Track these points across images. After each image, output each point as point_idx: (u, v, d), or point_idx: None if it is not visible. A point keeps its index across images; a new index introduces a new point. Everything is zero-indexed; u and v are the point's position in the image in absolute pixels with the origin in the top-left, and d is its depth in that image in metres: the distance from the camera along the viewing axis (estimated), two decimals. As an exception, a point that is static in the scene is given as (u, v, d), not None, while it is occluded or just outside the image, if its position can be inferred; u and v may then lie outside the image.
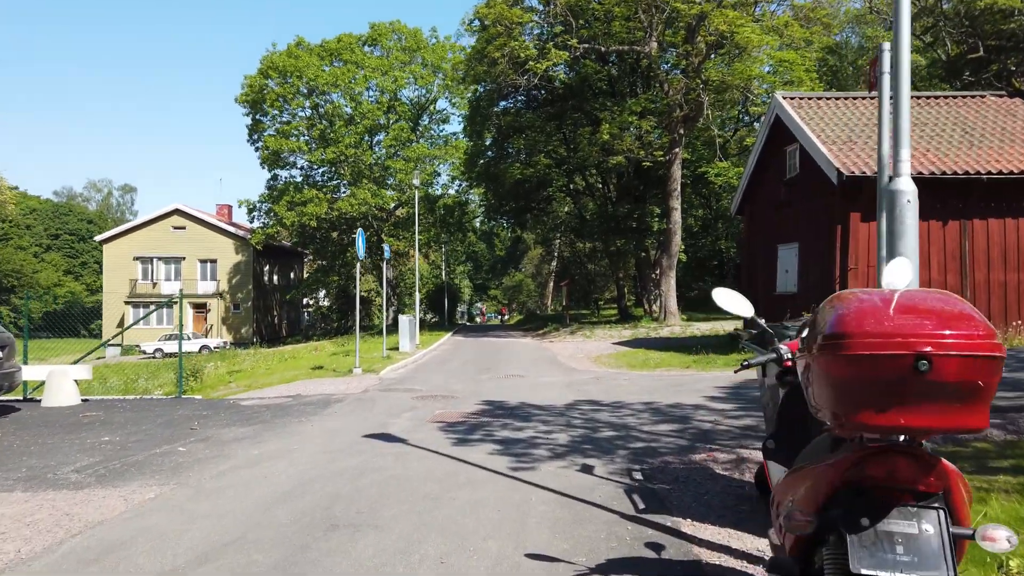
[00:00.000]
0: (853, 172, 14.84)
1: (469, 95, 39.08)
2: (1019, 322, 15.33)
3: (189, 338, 44.23)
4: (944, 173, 15.11)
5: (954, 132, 16.87)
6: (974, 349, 1.85)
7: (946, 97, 18.92)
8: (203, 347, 43.08)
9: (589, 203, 39.47)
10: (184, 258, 50.82)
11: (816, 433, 2.91)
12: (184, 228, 50.88)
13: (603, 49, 28.82)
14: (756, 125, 39.84)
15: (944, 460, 2.03)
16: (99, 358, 50.24)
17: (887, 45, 5.39)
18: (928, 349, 1.84)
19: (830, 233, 15.92)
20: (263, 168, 48.05)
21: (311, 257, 56.93)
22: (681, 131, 28.22)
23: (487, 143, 36.45)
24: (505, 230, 62.07)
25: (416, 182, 26.00)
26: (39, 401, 11.14)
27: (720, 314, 37.52)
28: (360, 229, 15.79)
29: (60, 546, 4.18)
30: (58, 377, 10.93)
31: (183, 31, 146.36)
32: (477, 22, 30.49)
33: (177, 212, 51.13)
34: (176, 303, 12.13)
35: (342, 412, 9.41)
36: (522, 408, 9.11)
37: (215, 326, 50.23)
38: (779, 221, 18.97)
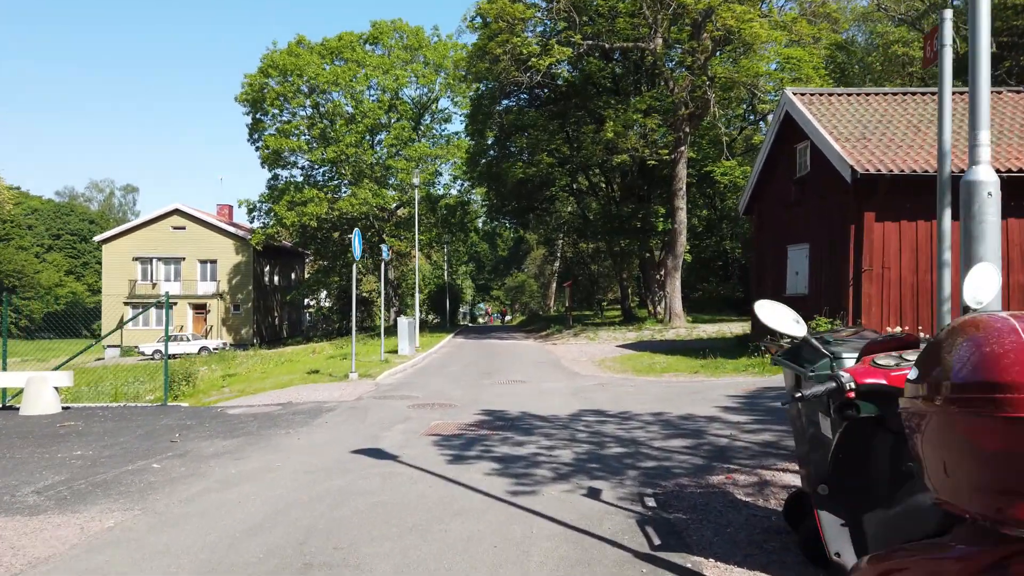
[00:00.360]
0: (868, 170, 14.26)
1: (471, 94, 38.58)
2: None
3: (188, 339, 43.79)
4: (961, 171, 14.47)
5: (971, 129, 16.27)
6: None
7: (961, 93, 18.26)
8: (202, 348, 42.63)
9: (592, 203, 38.92)
10: (184, 258, 50.33)
11: (889, 480, 2.38)
12: (184, 228, 50.40)
13: (607, 46, 28.27)
14: (762, 124, 39.28)
15: None
16: (98, 359, 50.01)
17: (948, 13, 4.68)
18: None
19: (843, 233, 15.34)
20: (263, 168, 47.63)
21: (312, 257, 56.48)
22: (687, 129, 27.66)
23: (489, 142, 35.92)
24: (508, 230, 61.56)
25: (416, 181, 25.47)
26: (18, 409, 10.64)
27: (725, 315, 36.99)
28: (356, 229, 15.27)
29: (-7, 590, 3.66)
30: (37, 384, 10.43)
31: (185, 30, 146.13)
32: (479, 19, 29.97)
33: (177, 212, 50.65)
34: (164, 305, 11.58)
35: (332, 423, 8.88)
36: (523, 419, 8.58)
37: (215, 327, 49.75)
38: (789, 221, 18.40)
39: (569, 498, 4.98)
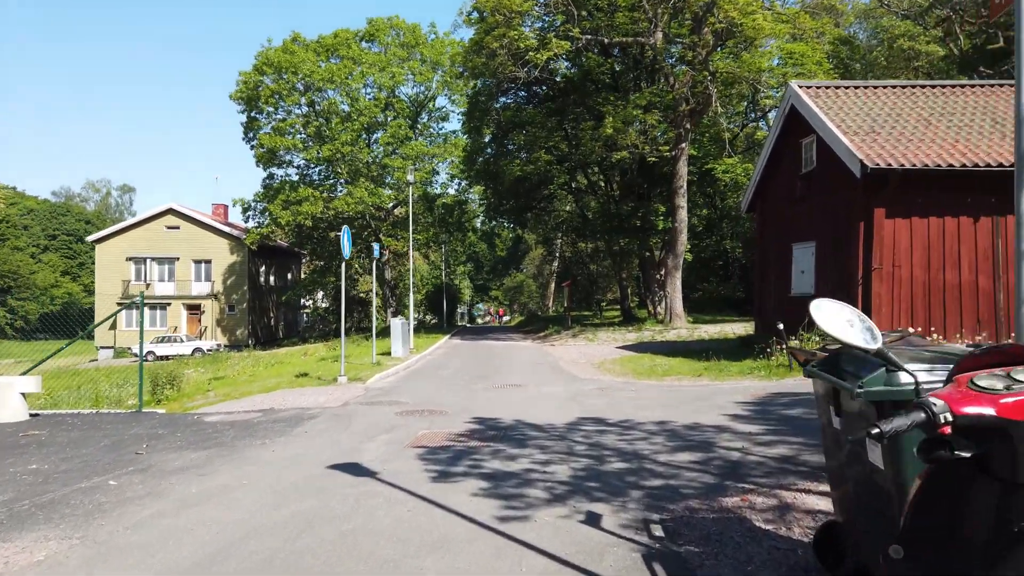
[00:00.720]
0: (878, 164, 13.67)
1: (468, 91, 38.01)
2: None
3: (182, 340, 43.20)
4: (976, 165, 13.94)
5: (984, 122, 15.70)
6: None
7: (972, 86, 17.74)
8: (196, 349, 42.03)
9: (591, 201, 38.31)
10: (178, 258, 49.67)
11: (992, 544, 1.78)
12: (178, 228, 49.73)
13: (606, 41, 27.67)
14: (762, 124, 38.70)
15: None
16: (92, 360, 49.43)
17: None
18: None
19: (852, 230, 14.75)
20: (258, 167, 47.09)
21: (308, 258, 55.90)
22: (687, 126, 27.09)
23: (486, 140, 35.34)
24: (506, 229, 60.95)
25: (411, 178, 24.90)
26: (-18, 416, 10.03)
27: (726, 315, 36.41)
28: (345, 227, 14.69)
29: None
30: (2, 390, 9.83)
31: (183, 28, 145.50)
32: (475, 13, 29.38)
33: (171, 212, 49.99)
34: (139, 305, 10.97)
35: (313, 432, 8.28)
36: (517, 428, 7.98)
37: (210, 328, 49.12)
38: (794, 218, 17.82)
39: (565, 525, 4.38)
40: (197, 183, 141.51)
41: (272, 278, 55.35)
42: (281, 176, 47.24)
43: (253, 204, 46.76)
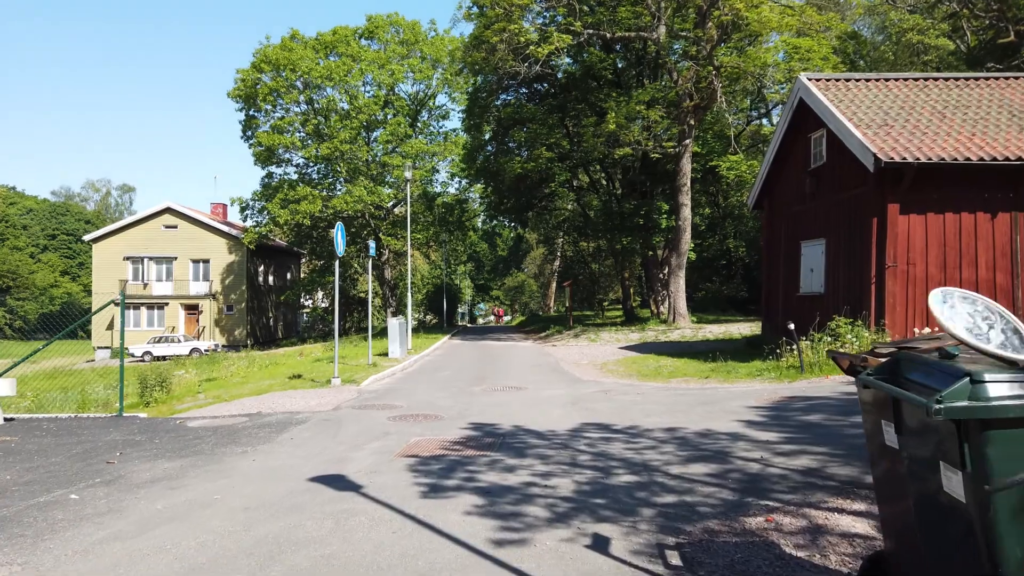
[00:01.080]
0: (892, 158, 13.13)
1: (469, 88, 37.50)
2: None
3: (179, 340, 42.73)
4: (994, 159, 13.40)
5: (1000, 115, 15.16)
6: None
7: (987, 79, 17.20)
8: (193, 350, 41.53)
9: (593, 200, 37.79)
10: (176, 258, 49.16)
11: None
12: (176, 227, 49.23)
13: (608, 35, 27.14)
14: (765, 121, 38.16)
15: None
16: (89, 360, 48.99)
17: None
18: None
19: (864, 227, 14.22)
20: (256, 165, 46.62)
21: (307, 257, 55.43)
22: (691, 122, 26.54)
23: (487, 137, 34.82)
24: (507, 229, 60.42)
25: (408, 175, 24.36)
26: (-46, 421, 9.54)
27: (729, 315, 35.87)
28: (339, 223, 14.18)
29: None
30: (-26, 394, 9.34)
31: (183, 27, 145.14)
32: (475, 8, 28.84)
33: (169, 211, 49.49)
34: (119, 304, 10.46)
35: (299, 439, 7.77)
36: (516, 435, 7.47)
37: (208, 328, 48.63)
38: (803, 215, 17.30)
39: (570, 551, 3.87)
40: (198, 183, 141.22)
41: (271, 278, 54.86)
42: (280, 175, 46.77)
43: (251, 203, 46.29)
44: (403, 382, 14.10)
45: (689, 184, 27.54)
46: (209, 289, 48.81)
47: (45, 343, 11.70)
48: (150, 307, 48.85)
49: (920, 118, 14.92)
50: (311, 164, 46.12)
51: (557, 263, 62.20)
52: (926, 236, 13.78)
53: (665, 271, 32.05)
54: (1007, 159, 13.35)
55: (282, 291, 53.06)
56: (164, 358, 40.05)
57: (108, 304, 15.00)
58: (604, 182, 37.59)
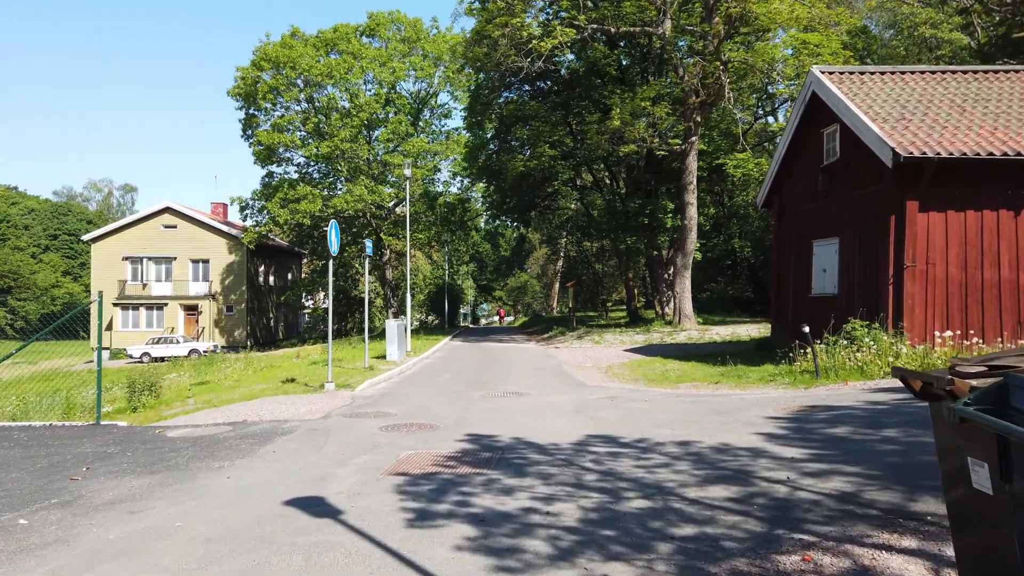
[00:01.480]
0: (912, 153, 12.52)
1: (471, 86, 36.94)
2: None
3: (178, 341, 42.25)
4: (1019, 154, 12.78)
5: (1023, 109, 14.55)
6: None
7: (1007, 72, 16.57)
8: (192, 351, 41.04)
9: (597, 199, 37.18)
10: (175, 258, 48.68)
11: None
12: (175, 227, 48.75)
13: (613, 30, 26.51)
14: (772, 120, 37.49)
15: None
16: (88, 361, 48.49)
17: None
18: None
19: (881, 225, 13.61)
20: (256, 164, 46.14)
21: (308, 257, 54.93)
22: (698, 118, 25.92)
23: (489, 135, 34.24)
24: (510, 229, 59.84)
25: (408, 172, 23.75)
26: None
27: (735, 316, 35.23)
28: (333, 221, 13.63)
29: None
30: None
31: (185, 26, 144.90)
32: (477, 2, 28.29)
33: (168, 210, 49.01)
34: (95, 302, 9.89)
35: (281, 452, 7.20)
36: (516, 449, 6.88)
37: (207, 329, 48.12)
38: (815, 213, 16.69)
39: (574, 600, 3.29)
40: (200, 182, 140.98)
41: (272, 278, 54.36)
42: (280, 174, 46.28)
43: (251, 203, 45.78)
44: (400, 387, 13.53)
45: (695, 182, 26.93)
46: (209, 289, 48.33)
47: (20, 346, 11.13)
48: (149, 308, 48.40)
49: (939, 112, 14.31)
50: (312, 163, 45.65)
51: (560, 263, 61.64)
52: (946, 235, 13.17)
53: (670, 271, 31.45)
54: (1032, 154, 12.73)
55: (283, 291, 52.58)
56: (163, 359, 39.52)
57: (83, 307, 14.43)
58: (608, 181, 37.00)
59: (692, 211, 26.90)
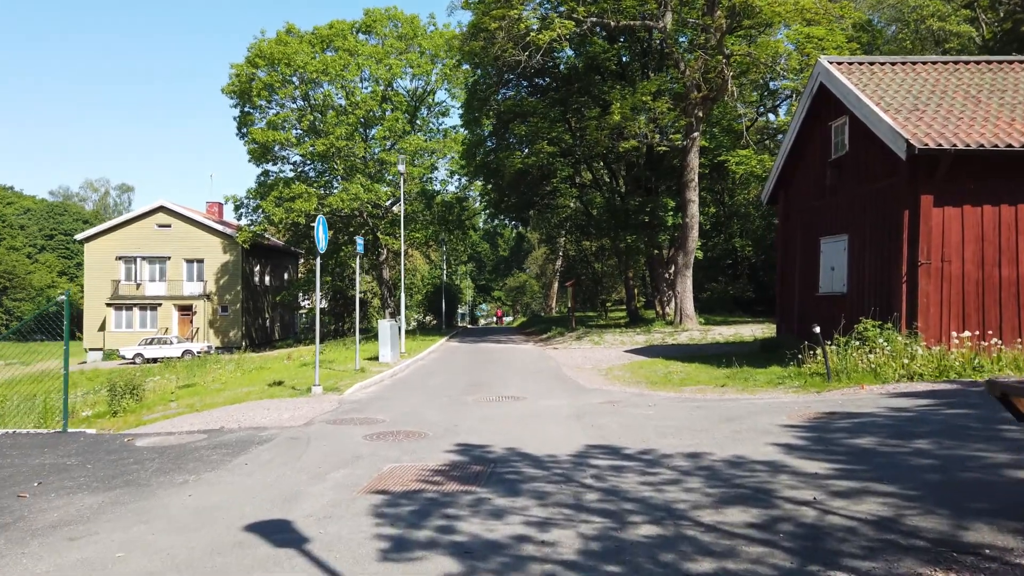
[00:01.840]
0: (927, 144, 11.93)
1: (468, 82, 36.32)
2: None
3: (172, 342, 41.62)
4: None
5: (1040, 100, 13.96)
6: None
7: (1022, 62, 15.99)
8: (186, 352, 40.41)
9: (596, 197, 36.57)
10: (169, 258, 48.06)
11: None
12: (169, 226, 48.11)
13: (612, 24, 25.90)
14: (773, 117, 36.89)
15: None
16: (81, 362, 47.87)
17: None
18: None
19: (893, 221, 13.02)
20: (251, 163, 45.49)
21: (304, 257, 54.32)
22: (699, 114, 25.32)
23: (486, 132, 33.63)
24: (508, 228, 59.23)
25: (402, 168, 23.13)
26: None
27: (736, 316, 34.61)
28: (320, 216, 13.03)
29: None
30: None
31: (185, 25, 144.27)
32: (473, -6, 27.66)
33: (162, 209, 48.37)
34: (63, 301, 9.28)
35: (253, 465, 6.60)
36: (510, 462, 6.28)
37: (202, 329, 47.49)
38: (822, 209, 16.10)
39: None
40: (198, 182, 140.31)
41: (268, 278, 53.74)
42: (276, 173, 45.65)
43: (246, 201, 45.13)
44: (390, 390, 12.92)
45: (696, 180, 26.34)
46: (203, 290, 47.72)
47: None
48: (143, 308, 47.78)
49: (953, 103, 13.72)
50: (307, 162, 45.06)
51: (559, 263, 61.04)
52: (962, 230, 12.58)
53: (671, 270, 30.86)
54: (1053, 146, 12.14)
55: (279, 292, 51.98)
56: (156, 360, 38.90)
57: (50, 306, 13.80)
58: (607, 179, 36.39)
59: (694, 208, 26.31)
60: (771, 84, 31.76)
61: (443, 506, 4.89)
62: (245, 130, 45.23)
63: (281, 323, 56.31)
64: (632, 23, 26.36)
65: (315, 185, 43.51)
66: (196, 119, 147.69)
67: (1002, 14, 27.95)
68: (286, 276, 56.79)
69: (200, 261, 48.16)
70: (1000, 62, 15.82)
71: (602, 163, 34.51)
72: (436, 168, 45.23)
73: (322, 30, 43.97)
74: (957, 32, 24.63)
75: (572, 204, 39.48)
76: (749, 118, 32.85)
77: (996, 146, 12.06)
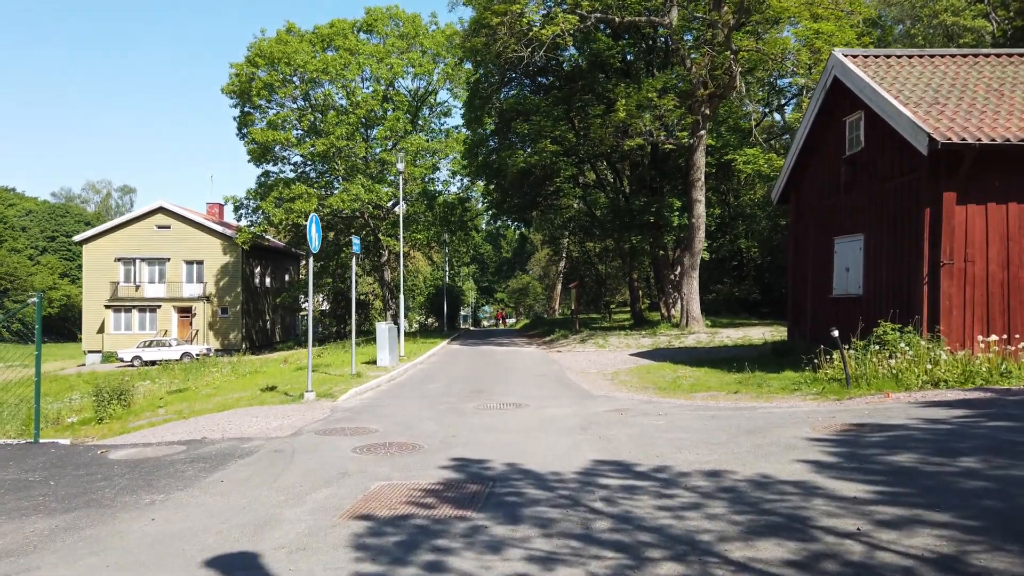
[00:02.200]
0: (950, 139, 11.33)
1: (470, 81, 35.77)
2: None
3: (170, 345, 41.12)
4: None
5: (1067, 93, 13.35)
6: None
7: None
8: (185, 354, 39.95)
9: (600, 197, 35.96)
10: (169, 259, 47.59)
11: None
12: (169, 227, 47.66)
13: (617, 20, 25.33)
14: (778, 116, 36.33)
15: None
16: (80, 364, 47.36)
17: None
18: None
19: (913, 220, 12.43)
20: (251, 163, 45.00)
21: (305, 258, 53.75)
22: (706, 111, 24.73)
23: (488, 131, 33.06)
24: (511, 229, 58.65)
25: (401, 166, 22.56)
26: None
27: (743, 318, 33.99)
28: (313, 214, 12.49)
29: None
30: None
31: (184, 27, 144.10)
32: (475, -10, 27.13)
33: (161, 210, 47.91)
34: (35, 302, 8.71)
35: (229, 483, 6.02)
36: (510, 480, 5.70)
37: (201, 331, 46.99)
38: (836, 208, 15.51)
39: None
40: (200, 183, 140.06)
41: (268, 279, 53.23)
42: (276, 173, 45.18)
43: (246, 202, 44.64)
44: (386, 396, 12.35)
45: (703, 179, 25.76)
46: (203, 291, 47.26)
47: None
48: (142, 310, 47.35)
49: (975, 96, 13.11)
50: (308, 162, 44.58)
51: (563, 264, 60.44)
52: (986, 229, 11.98)
53: (676, 272, 30.26)
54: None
55: (279, 293, 51.48)
56: (154, 363, 38.38)
57: (23, 307, 13.29)
58: (611, 179, 35.79)
59: (700, 208, 25.72)
60: (778, 82, 31.18)
61: (434, 536, 4.31)
62: (245, 130, 44.75)
63: (282, 325, 55.80)
64: (637, 19, 25.81)
65: (316, 186, 43.02)
66: (199, 120, 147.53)
67: (1012, 12, 27.35)
68: (287, 278, 56.30)
69: (200, 262, 47.70)
70: (1022, 55, 15.22)
71: (606, 163, 33.93)
72: (438, 168, 44.72)
73: (323, 29, 43.50)
74: (971, 27, 24.00)
75: (576, 204, 38.91)
76: (760, 113, 32.27)
77: (1023, 140, 11.47)
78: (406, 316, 53.22)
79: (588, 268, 53.21)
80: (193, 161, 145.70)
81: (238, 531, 4.59)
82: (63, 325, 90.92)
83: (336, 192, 41.91)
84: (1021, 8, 26.49)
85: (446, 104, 48.03)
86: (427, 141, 43.55)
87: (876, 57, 15.07)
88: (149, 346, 40.79)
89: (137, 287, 47.51)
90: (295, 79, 42.25)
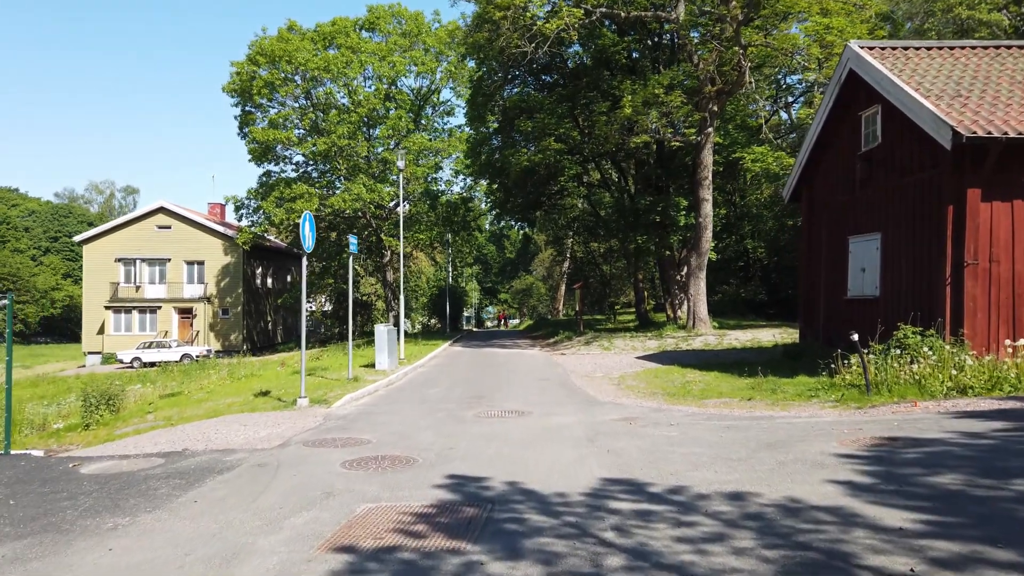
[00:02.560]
0: (975, 132, 10.75)
1: (473, 78, 35.25)
2: None
3: (170, 346, 40.67)
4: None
5: (1094, 86, 12.76)
6: None
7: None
8: (185, 355, 39.53)
9: (605, 196, 35.40)
10: (169, 259, 47.18)
11: None
12: (169, 228, 47.24)
13: (623, 15, 24.78)
14: (785, 115, 35.70)
15: None
16: (80, 366, 46.94)
17: None
18: None
19: (935, 217, 11.84)
20: (252, 163, 44.54)
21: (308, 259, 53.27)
22: (714, 108, 24.15)
23: (491, 129, 32.52)
24: (514, 230, 58.08)
25: (401, 164, 22.05)
26: None
27: (750, 320, 33.35)
28: (307, 212, 11.98)
29: None
30: None
31: (184, 27, 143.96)
32: (478, -15, 26.55)
33: (162, 211, 47.51)
34: (5, 304, 8.19)
35: (203, 503, 5.49)
36: (510, 503, 5.16)
37: (202, 332, 46.56)
38: (851, 206, 14.93)
39: None
40: (204, 183, 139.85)
41: (270, 280, 52.78)
42: (278, 173, 44.73)
43: (247, 202, 44.18)
44: (383, 402, 11.81)
45: (710, 177, 25.17)
46: (204, 292, 46.84)
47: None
48: (142, 310, 46.95)
49: (999, 89, 12.53)
50: (309, 162, 44.11)
51: (567, 265, 59.86)
52: (1012, 228, 11.40)
53: (683, 272, 29.68)
54: (1116, 134, 10.93)
55: (281, 294, 51.01)
56: (153, 364, 37.94)
57: None
58: (616, 178, 35.20)
59: (707, 208, 25.14)
60: (786, 80, 30.63)
61: (422, 574, 3.77)
62: (246, 129, 44.30)
63: (284, 326, 55.35)
64: (643, 14, 25.24)
65: (317, 185, 42.55)
66: (201, 120, 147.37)
67: (1022, 7, 26.72)
68: (288, 278, 55.85)
69: (200, 263, 47.28)
70: (1043, 47, 14.62)
71: (611, 161, 33.37)
72: (441, 168, 44.22)
73: (324, 27, 43.04)
74: (986, 21, 23.38)
75: (580, 204, 38.34)
76: (769, 110, 31.67)
77: (1053, 133, 10.88)
78: (408, 317, 52.83)
79: (592, 269, 52.65)
80: (195, 161, 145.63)
81: (202, 565, 4.05)
82: (66, 326, 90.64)
83: (338, 192, 41.42)
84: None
85: (449, 103, 47.47)
86: (430, 140, 43.06)
87: (893, 49, 14.49)
88: (149, 347, 40.36)
89: (137, 288, 47.12)
90: (296, 78, 41.79)
